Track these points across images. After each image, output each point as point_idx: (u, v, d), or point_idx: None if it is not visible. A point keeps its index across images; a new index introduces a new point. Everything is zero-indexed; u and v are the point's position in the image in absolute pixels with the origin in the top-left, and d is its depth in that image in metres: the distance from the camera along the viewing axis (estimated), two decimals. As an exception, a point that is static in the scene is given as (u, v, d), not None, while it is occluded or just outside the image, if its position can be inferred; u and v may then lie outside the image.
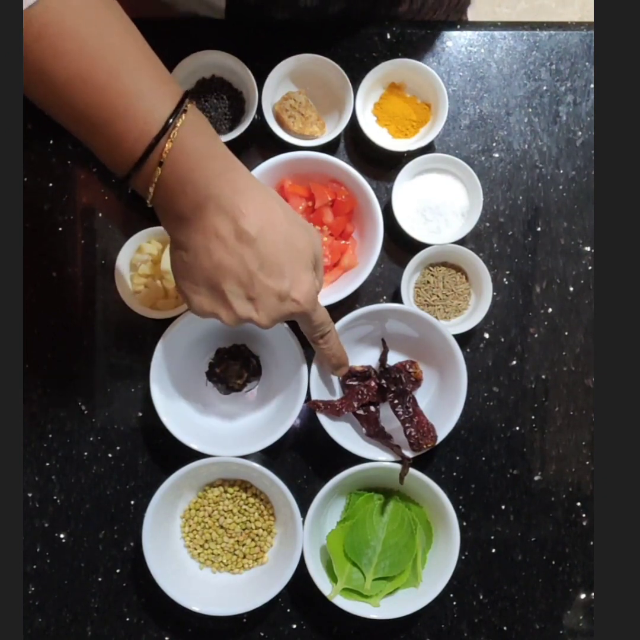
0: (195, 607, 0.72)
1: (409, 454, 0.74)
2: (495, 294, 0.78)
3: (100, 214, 0.78)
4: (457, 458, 0.79)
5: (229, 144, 0.75)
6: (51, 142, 0.78)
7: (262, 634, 0.77)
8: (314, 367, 0.73)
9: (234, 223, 0.55)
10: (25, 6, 0.48)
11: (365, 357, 0.78)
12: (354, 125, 0.77)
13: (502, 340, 0.79)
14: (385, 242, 0.74)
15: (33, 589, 0.78)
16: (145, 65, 0.53)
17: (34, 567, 0.78)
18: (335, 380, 0.78)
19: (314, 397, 0.73)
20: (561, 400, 0.79)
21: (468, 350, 0.79)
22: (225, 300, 0.58)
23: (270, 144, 0.77)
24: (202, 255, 0.57)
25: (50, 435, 0.78)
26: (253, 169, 0.73)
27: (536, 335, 0.79)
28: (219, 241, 0.56)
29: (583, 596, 0.79)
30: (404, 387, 0.75)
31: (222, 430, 0.77)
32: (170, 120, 0.52)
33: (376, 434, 0.76)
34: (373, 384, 0.76)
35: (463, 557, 0.78)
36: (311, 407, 0.74)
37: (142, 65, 0.53)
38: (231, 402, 0.78)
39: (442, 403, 0.76)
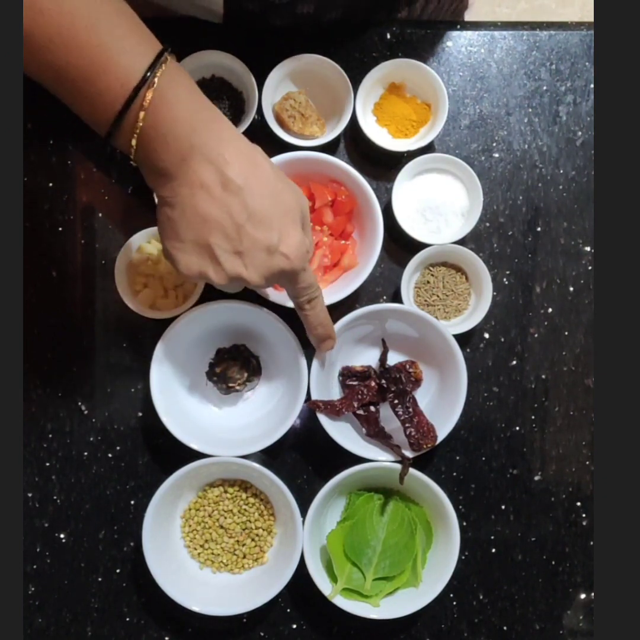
0: (195, 607, 0.72)
1: (409, 454, 0.74)
2: (495, 294, 0.78)
3: (100, 214, 0.78)
4: (457, 458, 0.79)
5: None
6: (51, 142, 0.78)
7: (262, 634, 0.77)
8: (314, 368, 0.73)
9: (220, 172, 0.54)
10: None
11: (365, 357, 0.78)
12: (354, 125, 0.77)
13: (502, 340, 0.79)
14: (385, 242, 0.74)
15: (33, 589, 0.78)
16: (123, 21, 0.54)
17: (34, 567, 0.78)
18: (335, 380, 0.78)
19: (314, 397, 0.73)
20: (561, 400, 0.79)
21: (468, 350, 0.79)
22: (213, 256, 0.57)
23: (270, 144, 0.77)
24: (187, 210, 0.56)
25: (50, 435, 0.78)
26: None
27: (536, 335, 0.79)
28: (204, 192, 0.55)
29: (583, 596, 0.79)
30: (404, 387, 0.75)
31: (222, 430, 0.77)
32: (149, 72, 0.53)
33: (376, 434, 0.76)
34: (373, 384, 0.76)
35: (463, 557, 0.78)
36: (311, 407, 0.74)
37: (120, 22, 0.53)
38: (231, 402, 0.78)
39: (442, 403, 0.76)
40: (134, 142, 0.54)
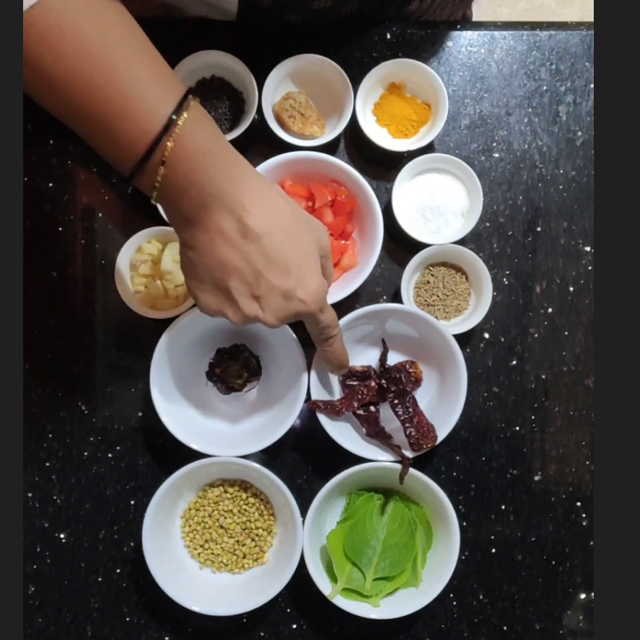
0: (195, 607, 0.72)
1: (409, 454, 0.74)
2: (495, 294, 0.78)
3: (100, 214, 0.78)
4: (457, 458, 0.79)
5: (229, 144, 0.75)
6: (51, 142, 0.78)
7: (262, 634, 0.77)
8: (314, 368, 0.73)
9: (238, 220, 0.55)
10: (25, 7, 0.48)
11: (365, 357, 0.78)
12: (354, 125, 0.77)
13: (502, 340, 0.79)
14: (385, 242, 0.74)
15: (33, 589, 0.78)
16: (146, 63, 0.53)
17: (34, 567, 0.78)
18: (335, 380, 0.78)
19: (314, 397, 0.73)
20: (561, 400, 0.79)
21: (468, 350, 0.79)
22: (231, 298, 0.58)
23: (270, 144, 0.77)
24: (207, 254, 0.57)
25: (50, 435, 0.78)
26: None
27: (536, 335, 0.79)
28: (223, 239, 0.56)
29: (583, 596, 0.79)
30: (404, 387, 0.75)
31: (222, 430, 0.77)
32: (172, 119, 0.52)
33: (376, 434, 0.76)
34: (373, 384, 0.76)
35: (463, 557, 0.78)
36: (311, 407, 0.74)
37: (142, 64, 0.53)
38: (231, 402, 0.78)
39: (442, 403, 0.76)
40: (154, 191, 0.55)
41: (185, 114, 0.53)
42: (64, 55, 0.50)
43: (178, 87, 0.54)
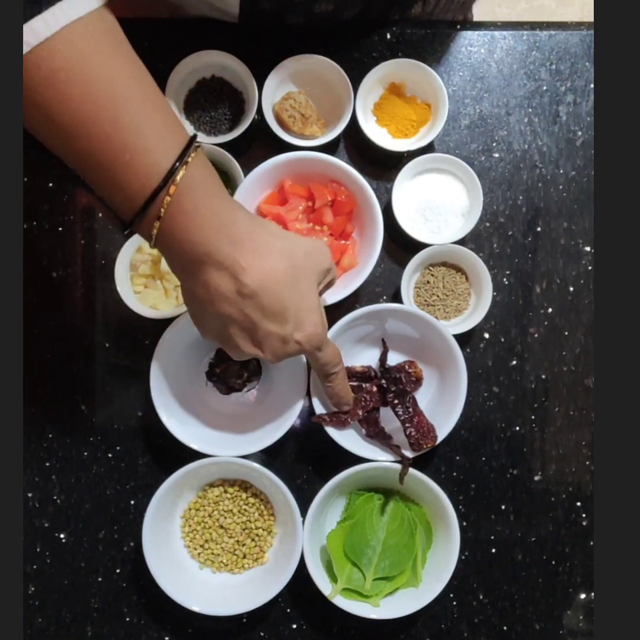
0: (195, 607, 0.72)
1: (409, 454, 0.74)
2: (495, 294, 0.78)
3: (100, 214, 0.78)
4: (457, 458, 0.79)
5: (229, 144, 0.75)
6: (51, 142, 0.78)
7: (262, 634, 0.77)
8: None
9: (234, 279, 0.56)
10: (26, 48, 0.48)
11: (365, 357, 0.78)
12: (354, 125, 0.77)
13: (502, 340, 0.79)
14: (385, 242, 0.74)
15: (33, 589, 0.78)
16: (151, 114, 0.53)
17: (34, 567, 0.78)
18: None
19: (313, 397, 0.73)
20: (561, 400, 0.79)
21: (468, 350, 0.79)
22: (232, 341, 0.60)
23: (270, 144, 0.77)
24: (206, 305, 0.58)
25: (50, 435, 0.78)
26: (253, 169, 0.74)
27: (536, 335, 0.79)
28: (220, 295, 0.57)
29: (583, 596, 0.79)
30: (404, 387, 0.75)
31: (222, 430, 0.77)
32: (171, 174, 0.52)
33: (376, 434, 0.76)
34: (374, 388, 0.76)
35: (463, 557, 0.78)
36: (317, 422, 0.74)
37: (147, 116, 0.53)
38: (231, 402, 0.78)
39: (442, 403, 0.76)
40: (151, 237, 0.56)
41: (184, 169, 0.53)
42: (70, 101, 0.50)
43: (182, 138, 0.54)
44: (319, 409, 0.74)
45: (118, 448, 0.78)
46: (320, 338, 0.62)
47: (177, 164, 0.53)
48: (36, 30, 0.47)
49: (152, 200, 0.53)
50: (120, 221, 0.56)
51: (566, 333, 0.79)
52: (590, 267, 0.80)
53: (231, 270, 0.55)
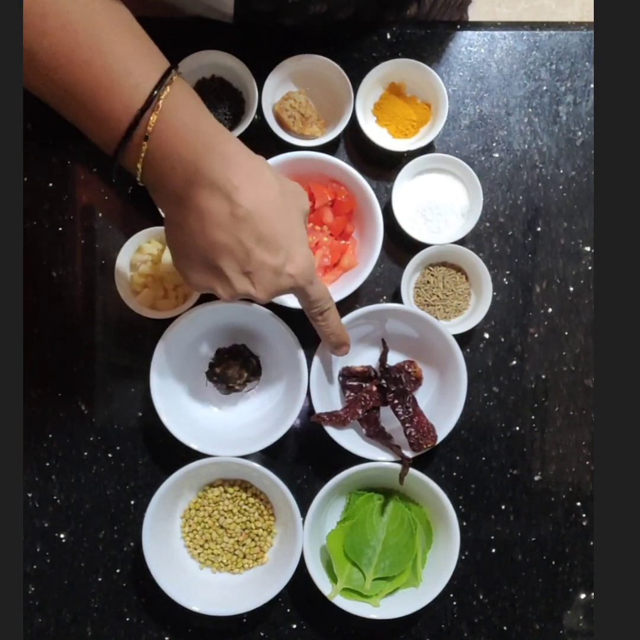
0: (195, 607, 0.72)
1: (409, 454, 0.74)
2: (495, 294, 0.78)
3: (100, 214, 0.78)
4: (457, 458, 0.79)
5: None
6: (51, 142, 0.78)
7: (262, 634, 0.77)
8: (314, 368, 0.73)
9: (227, 198, 0.54)
10: None
11: (365, 357, 0.78)
12: (354, 125, 0.77)
13: (502, 340, 0.79)
14: (385, 242, 0.74)
15: (33, 589, 0.78)
16: (129, 39, 0.53)
17: (34, 567, 0.78)
18: (335, 380, 0.78)
19: (313, 397, 0.73)
20: (561, 400, 0.79)
21: (468, 350, 0.79)
22: (222, 275, 0.58)
23: (270, 144, 0.77)
24: (196, 234, 0.56)
25: (50, 435, 0.78)
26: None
27: (536, 335, 0.79)
28: (212, 219, 0.55)
29: (583, 596, 0.79)
30: (404, 387, 0.75)
31: (222, 430, 0.77)
32: (154, 93, 0.52)
33: (376, 434, 0.76)
34: (374, 388, 0.76)
35: (463, 557, 0.78)
36: (316, 421, 0.73)
37: (126, 40, 0.53)
38: (231, 402, 0.78)
39: (442, 403, 0.76)
40: (139, 165, 0.54)
41: (168, 89, 0.52)
42: (48, 34, 0.50)
43: (162, 63, 0.54)
44: (319, 408, 0.74)
45: (118, 448, 0.78)
46: (312, 271, 0.61)
47: (160, 84, 0.52)
48: None
49: (138, 123, 0.52)
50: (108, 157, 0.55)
51: (566, 333, 0.80)
52: (590, 267, 0.80)
53: (224, 189, 0.54)
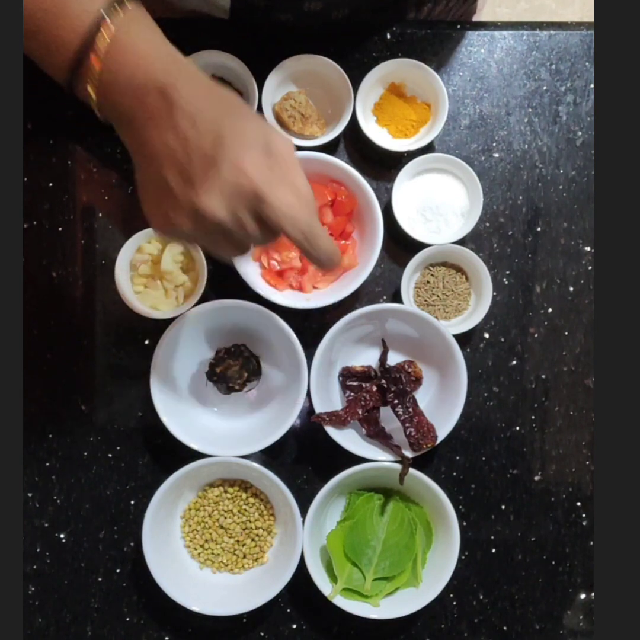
0: (195, 607, 0.72)
1: (409, 454, 0.74)
2: (495, 294, 0.78)
3: (100, 214, 0.78)
4: (457, 458, 0.79)
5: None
6: (51, 142, 0.78)
7: (262, 634, 0.77)
8: (314, 368, 0.73)
9: (168, 98, 0.51)
10: None
11: (365, 357, 0.78)
12: (354, 125, 0.77)
13: (502, 340, 0.79)
14: (385, 242, 0.74)
15: (33, 589, 0.78)
16: None
17: (34, 567, 0.78)
18: (335, 380, 0.78)
19: (313, 397, 0.73)
20: (561, 400, 0.79)
21: (468, 350, 0.79)
22: (170, 192, 0.52)
23: (270, 144, 0.77)
24: (144, 151, 0.53)
25: (50, 435, 0.78)
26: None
27: (536, 335, 0.79)
28: (153, 123, 0.52)
29: (583, 596, 0.79)
30: (404, 387, 0.75)
31: (222, 430, 0.77)
32: (103, 15, 0.51)
33: (376, 434, 0.76)
34: (374, 388, 0.76)
35: (463, 557, 0.78)
36: (316, 421, 0.73)
37: None
38: (231, 402, 0.78)
39: (442, 403, 0.76)
40: (90, 88, 0.53)
41: (121, 13, 0.52)
42: None
43: None
44: (319, 408, 0.74)
45: (118, 448, 0.78)
46: (268, 174, 0.52)
47: (111, 7, 0.52)
48: None
49: (89, 43, 0.51)
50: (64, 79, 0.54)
51: (566, 333, 0.79)
52: (590, 267, 0.80)
53: (166, 93, 0.51)
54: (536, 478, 0.79)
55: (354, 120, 0.76)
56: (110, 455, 0.78)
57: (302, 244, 0.55)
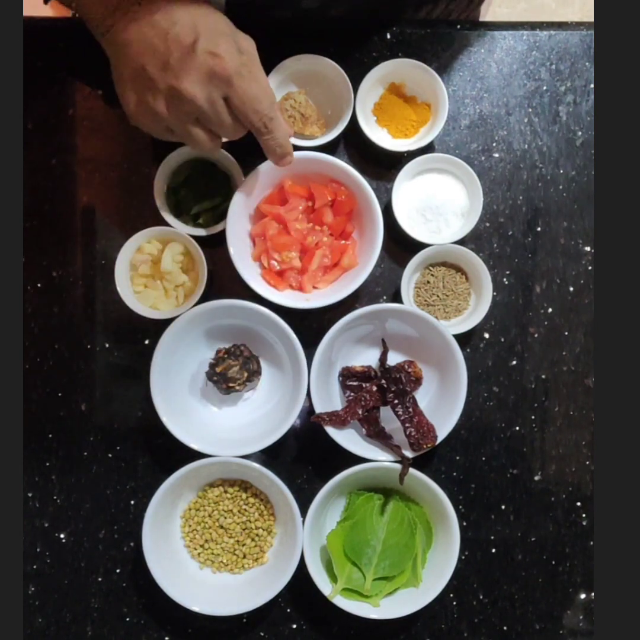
0: (195, 607, 0.72)
1: (409, 454, 0.74)
2: (495, 294, 0.78)
3: (100, 214, 0.78)
4: (457, 458, 0.79)
5: (229, 144, 0.75)
6: (51, 142, 0.78)
7: (262, 634, 0.77)
8: (314, 368, 0.73)
9: (152, 7, 0.58)
10: None
11: (365, 357, 0.78)
12: (354, 125, 0.77)
13: (502, 340, 0.79)
14: (385, 242, 0.74)
15: (33, 589, 0.78)
16: None
17: (34, 567, 0.78)
18: (335, 380, 0.78)
19: (313, 397, 0.73)
20: (561, 400, 0.79)
21: (468, 350, 0.79)
22: (149, 79, 0.59)
23: (270, 144, 0.77)
24: (122, 46, 0.59)
25: (50, 435, 0.78)
26: (253, 170, 0.74)
27: (536, 335, 0.79)
28: (135, 22, 0.59)
29: (583, 596, 0.79)
30: (404, 387, 0.75)
31: (222, 430, 0.77)
32: None
33: (376, 434, 0.76)
34: (374, 388, 0.76)
35: (463, 557, 0.78)
36: (316, 421, 0.73)
37: None
38: (231, 402, 0.78)
39: (442, 403, 0.76)
40: None
41: None
42: None
43: None
44: (319, 408, 0.74)
45: (118, 448, 0.78)
46: (239, 59, 0.61)
47: None
48: None
49: None
50: None
51: (566, 333, 0.79)
52: (590, 267, 0.80)
53: None
54: (536, 478, 0.79)
55: (354, 120, 0.76)
56: (110, 455, 0.78)
57: (262, 130, 0.64)
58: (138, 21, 0.59)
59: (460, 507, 0.78)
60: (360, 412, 0.75)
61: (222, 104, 0.61)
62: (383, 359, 0.77)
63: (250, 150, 0.78)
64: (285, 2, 0.73)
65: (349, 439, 0.75)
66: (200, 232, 0.75)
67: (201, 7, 0.61)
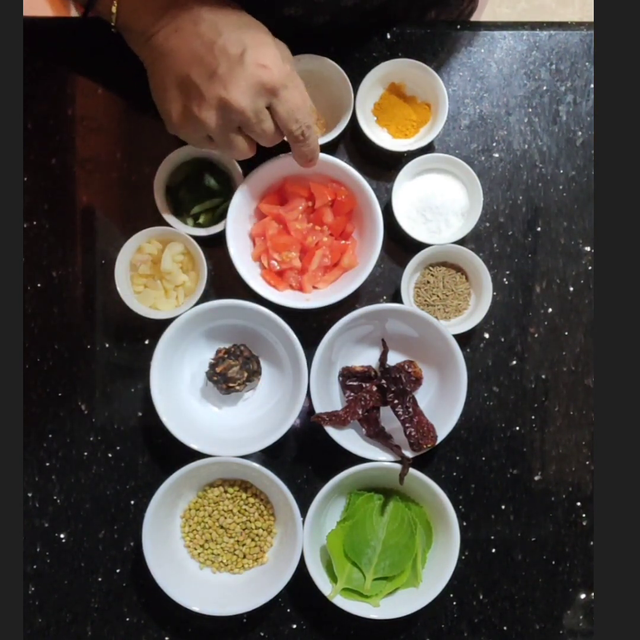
0: (195, 607, 0.72)
1: (409, 454, 0.74)
2: (495, 294, 0.78)
3: (100, 214, 0.78)
4: (457, 458, 0.79)
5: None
6: (51, 142, 0.78)
7: (262, 634, 0.77)
8: (314, 368, 0.73)
9: (193, 13, 0.59)
10: None
11: (365, 357, 0.78)
12: (354, 125, 0.77)
13: (502, 340, 0.79)
14: (385, 242, 0.74)
15: (33, 589, 0.78)
16: None
17: (34, 567, 0.78)
18: (335, 380, 0.78)
19: (313, 397, 0.73)
20: (561, 400, 0.79)
21: (468, 350, 0.79)
22: (195, 88, 0.60)
23: (270, 144, 0.77)
24: (166, 56, 0.60)
25: (50, 435, 0.78)
26: (253, 169, 0.74)
27: (536, 335, 0.79)
28: (178, 34, 0.59)
29: (583, 596, 0.79)
30: (404, 387, 0.75)
31: (222, 430, 0.77)
32: None
33: (376, 434, 0.76)
34: (374, 388, 0.76)
35: (463, 557, 0.78)
36: (316, 421, 0.73)
37: None
38: (231, 402, 0.78)
39: (442, 403, 0.76)
40: (114, 8, 0.58)
41: None
42: None
43: None
44: (319, 408, 0.74)
45: (118, 448, 0.78)
46: (286, 70, 0.62)
47: None
48: None
49: None
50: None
51: (566, 333, 0.80)
52: (590, 267, 0.80)
53: (190, 10, 0.60)
54: (536, 478, 0.79)
55: (354, 120, 0.76)
56: (110, 455, 0.78)
57: (299, 138, 0.66)
58: (183, 30, 0.60)
59: (460, 507, 0.78)
60: (360, 412, 0.75)
61: (267, 113, 0.63)
62: (383, 359, 0.77)
63: (250, 150, 0.78)
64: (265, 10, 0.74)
65: (349, 439, 0.75)
66: (200, 232, 0.75)
67: (243, 17, 0.63)
